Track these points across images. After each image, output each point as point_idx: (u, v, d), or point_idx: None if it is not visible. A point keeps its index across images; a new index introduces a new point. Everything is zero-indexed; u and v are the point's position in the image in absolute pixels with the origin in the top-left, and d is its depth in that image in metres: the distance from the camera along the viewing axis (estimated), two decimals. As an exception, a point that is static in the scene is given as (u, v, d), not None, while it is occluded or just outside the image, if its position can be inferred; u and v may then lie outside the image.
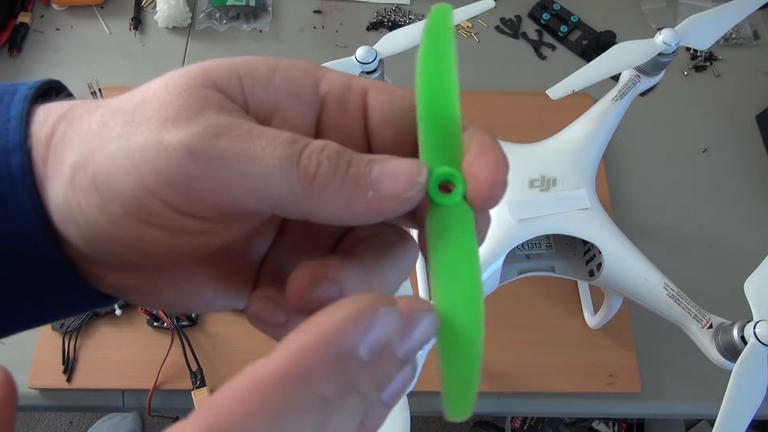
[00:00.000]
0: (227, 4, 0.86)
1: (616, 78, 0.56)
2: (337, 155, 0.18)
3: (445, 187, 0.19)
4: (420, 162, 0.18)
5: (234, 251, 0.22)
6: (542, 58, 0.86)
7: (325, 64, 0.49)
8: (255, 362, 0.15)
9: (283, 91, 0.20)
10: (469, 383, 0.17)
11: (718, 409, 0.39)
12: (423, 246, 0.20)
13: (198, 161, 0.17)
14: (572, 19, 0.87)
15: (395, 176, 0.18)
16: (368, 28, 0.87)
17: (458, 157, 0.19)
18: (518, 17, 0.89)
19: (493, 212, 0.49)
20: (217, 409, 0.14)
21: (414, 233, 0.22)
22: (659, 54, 0.51)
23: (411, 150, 0.20)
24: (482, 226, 0.20)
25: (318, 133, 0.21)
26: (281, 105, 0.20)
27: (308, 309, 0.18)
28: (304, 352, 0.15)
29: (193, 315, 0.64)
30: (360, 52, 0.50)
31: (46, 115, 0.19)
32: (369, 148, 0.21)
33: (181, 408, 0.63)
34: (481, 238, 0.20)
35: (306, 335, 0.15)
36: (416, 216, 0.20)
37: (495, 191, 0.18)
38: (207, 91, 0.18)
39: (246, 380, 0.14)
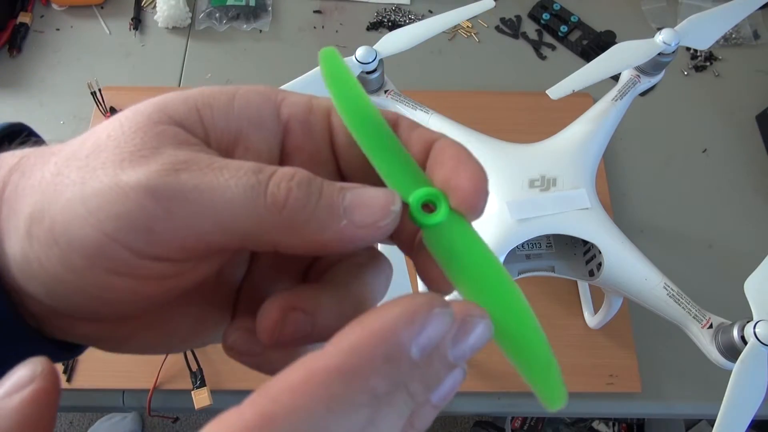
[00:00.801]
0: (227, 4, 0.86)
1: (616, 78, 0.56)
2: (307, 182, 0.17)
3: (426, 206, 0.19)
4: (393, 192, 0.18)
5: (207, 284, 0.21)
6: (542, 58, 0.86)
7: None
8: (308, 354, 0.15)
9: (244, 119, 0.19)
10: (550, 371, 0.17)
11: (718, 409, 0.39)
12: (423, 272, 0.20)
13: (158, 200, 0.16)
14: (572, 19, 0.87)
15: (369, 204, 0.17)
16: (368, 28, 0.87)
17: (420, 175, 0.19)
18: (518, 17, 0.89)
19: (493, 212, 0.49)
20: (273, 397, 0.14)
21: (390, 253, 0.22)
22: (659, 54, 0.51)
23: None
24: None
25: (284, 158, 0.20)
26: (243, 133, 0.19)
27: (282, 343, 0.18)
28: (357, 348, 0.15)
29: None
30: (360, 52, 0.50)
31: None
32: (338, 169, 0.21)
33: (181, 408, 0.63)
34: None
35: (360, 331, 0.15)
36: (397, 239, 0.20)
37: (480, 200, 0.18)
38: (163, 126, 0.18)
39: (300, 372, 0.14)
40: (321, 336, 0.18)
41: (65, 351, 0.20)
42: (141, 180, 0.16)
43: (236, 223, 0.17)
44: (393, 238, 0.20)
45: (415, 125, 0.20)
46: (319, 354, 0.15)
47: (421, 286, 0.65)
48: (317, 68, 0.50)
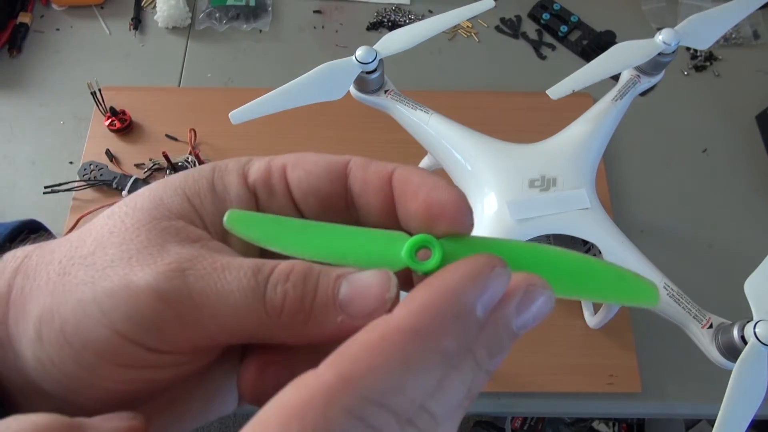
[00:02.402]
0: (227, 4, 0.86)
1: (616, 78, 0.56)
2: (303, 281, 0.17)
3: (419, 253, 0.19)
4: (387, 274, 0.18)
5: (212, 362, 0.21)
6: (542, 58, 0.86)
7: (325, 64, 0.49)
8: (379, 318, 0.15)
9: (227, 200, 0.20)
10: (626, 280, 0.18)
11: (718, 409, 0.39)
12: None
13: (168, 304, 0.17)
14: (572, 19, 0.87)
15: (364, 295, 0.17)
16: (368, 28, 0.87)
17: (388, 235, 0.19)
18: (518, 17, 0.89)
19: (493, 212, 0.49)
20: (350, 357, 0.14)
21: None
22: (659, 54, 0.51)
23: (340, 212, 0.20)
24: None
25: None
26: (226, 208, 0.20)
27: (267, 396, 0.18)
28: (428, 308, 0.15)
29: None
30: (360, 52, 0.50)
31: (1, 271, 0.19)
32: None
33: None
34: None
35: (428, 292, 0.16)
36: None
37: (467, 219, 0.19)
38: (166, 222, 0.18)
39: (375, 333, 0.15)
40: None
41: None
42: (151, 283, 0.17)
43: (240, 327, 0.17)
44: None
45: (368, 163, 0.20)
46: (391, 316, 0.15)
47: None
48: (317, 68, 0.50)
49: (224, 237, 0.20)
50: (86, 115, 0.76)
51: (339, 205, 0.20)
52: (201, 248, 0.18)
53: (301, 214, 0.21)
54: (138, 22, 0.85)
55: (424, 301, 0.16)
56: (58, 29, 0.85)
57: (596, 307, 0.66)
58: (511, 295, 0.17)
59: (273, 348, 0.19)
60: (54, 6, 0.86)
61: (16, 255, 0.19)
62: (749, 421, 0.39)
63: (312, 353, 0.19)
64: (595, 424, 1.20)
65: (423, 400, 0.15)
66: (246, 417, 0.15)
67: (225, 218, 0.19)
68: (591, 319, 0.66)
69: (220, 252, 0.18)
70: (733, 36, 0.88)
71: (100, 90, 0.73)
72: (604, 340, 0.66)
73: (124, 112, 0.75)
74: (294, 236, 0.19)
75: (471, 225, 0.19)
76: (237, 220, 0.19)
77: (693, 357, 0.50)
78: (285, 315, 0.17)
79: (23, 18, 0.84)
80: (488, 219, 0.49)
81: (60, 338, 0.17)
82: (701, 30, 0.53)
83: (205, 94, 0.79)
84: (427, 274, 0.18)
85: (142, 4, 0.88)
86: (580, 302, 0.68)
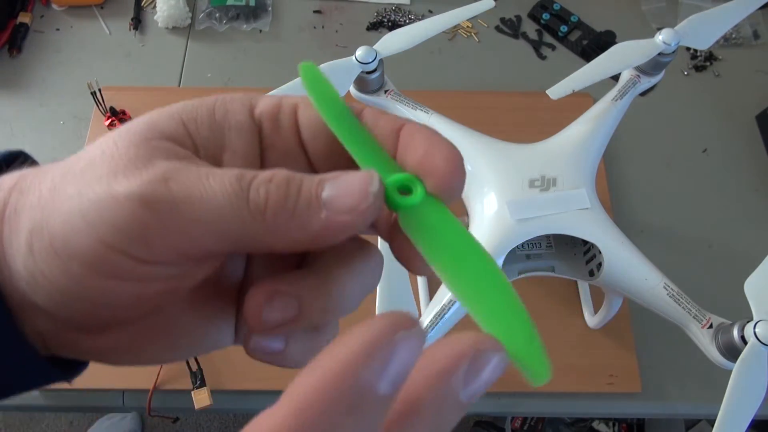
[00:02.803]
0: (227, 4, 0.86)
1: (616, 78, 0.56)
2: (286, 183, 0.18)
3: (401, 191, 0.19)
4: (370, 172, 0.18)
5: (208, 286, 0.21)
6: (542, 58, 0.86)
7: (324, 64, 0.49)
8: (262, 413, 0.13)
9: (225, 126, 0.20)
10: (533, 345, 0.17)
11: (718, 409, 0.39)
12: (399, 253, 0.20)
13: (151, 209, 0.17)
14: (572, 19, 0.87)
15: (347, 192, 0.17)
16: (368, 28, 0.87)
17: (393, 163, 0.19)
18: (518, 17, 0.89)
19: (493, 212, 0.49)
20: None
21: (379, 242, 0.22)
22: (659, 54, 0.51)
23: (346, 159, 0.20)
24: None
25: (261, 155, 0.21)
26: (227, 139, 0.20)
27: (271, 328, 0.18)
28: (311, 398, 0.13)
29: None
30: (360, 52, 0.50)
31: None
32: (308, 162, 0.21)
33: (181, 408, 0.63)
34: None
35: (312, 377, 0.13)
36: (376, 225, 0.20)
37: (457, 179, 0.18)
38: (156, 141, 0.18)
39: None
40: (310, 322, 0.19)
41: (62, 369, 0.21)
42: (134, 190, 0.17)
43: (225, 230, 0.17)
44: (372, 226, 0.20)
45: (381, 113, 0.20)
46: (271, 411, 0.13)
47: (422, 291, 0.64)
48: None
49: (215, 162, 0.20)
50: (86, 115, 0.76)
51: (342, 153, 0.20)
52: (188, 163, 0.18)
53: (305, 153, 0.21)
54: (138, 22, 0.85)
55: (306, 390, 0.13)
56: (58, 29, 0.85)
57: (596, 307, 0.66)
58: (458, 363, 0.15)
59: (281, 279, 0.19)
60: (54, 6, 0.86)
61: (12, 176, 0.19)
62: (749, 421, 0.39)
63: (320, 285, 0.19)
64: (595, 424, 1.20)
65: None
66: (244, 417, 0.14)
67: (301, 64, 0.20)
68: (591, 319, 0.66)
69: (206, 167, 0.19)
70: (733, 36, 0.88)
71: (100, 90, 0.73)
72: (604, 340, 0.66)
73: (124, 112, 0.75)
74: (334, 108, 0.20)
75: (459, 186, 0.18)
76: (312, 68, 0.20)
77: (693, 357, 0.50)
78: (269, 214, 0.17)
79: (23, 18, 0.84)
80: (488, 219, 0.49)
81: (49, 250, 0.17)
82: (701, 30, 0.53)
83: (205, 94, 0.77)
84: (398, 210, 0.18)
85: (142, 4, 0.88)
86: (579, 302, 0.68)
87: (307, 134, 0.20)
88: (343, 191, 0.17)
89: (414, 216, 0.19)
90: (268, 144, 0.21)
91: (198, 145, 0.20)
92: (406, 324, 0.14)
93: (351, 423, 0.13)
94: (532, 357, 0.17)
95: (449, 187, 0.18)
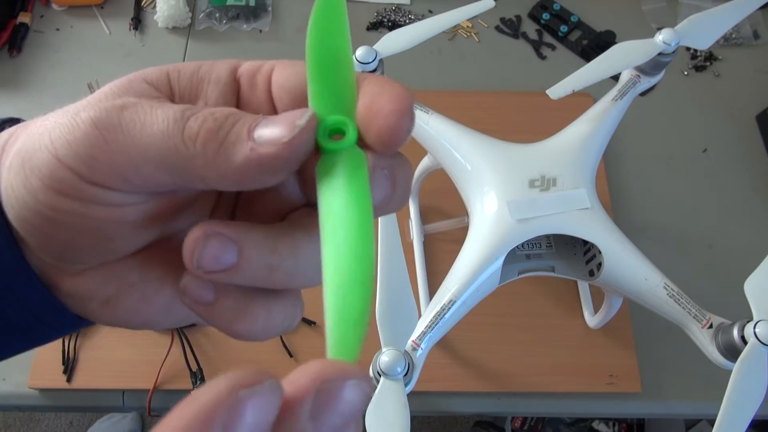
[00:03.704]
0: (227, 4, 0.86)
1: (616, 78, 0.56)
2: (224, 117, 0.18)
3: (338, 137, 0.18)
4: (305, 109, 0.18)
5: (177, 244, 0.21)
6: (542, 58, 0.86)
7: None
8: None
9: (205, 80, 0.21)
10: (359, 327, 0.16)
11: (718, 409, 0.39)
12: (310, 199, 0.20)
13: (100, 130, 0.18)
14: (572, 19, 0.87)
15: (275, 124, 0.18)
16: (368, 28, 0.87)
17: (351, 109, 0.19)
18: (518, 17, 0.89)
19: (493, 212, 0.49)
20: None
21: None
22: (659, 54, 0.51)
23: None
24: (400, 171, 0.19)
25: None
26: (203, 90, 0.21)
27: (205, 272, 0.18)
28: None
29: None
30: (360, 52, 0.50)
31: (9, 130, 0.21)
32: None
33: (181, 408, 0.63)
34: (403, 185, 0.19)
35: None
36: (303, 175, 0.20)
37: (402, 120, 0.17)
38: (136, 83, 0.20)
39: None
40: (249, 275, 0.18)
41: (68, 311, 0.22)
42: (91, 114, 0.19)
43: (159, 155, 0.18)
44: (299, 174, 0.20)
45: (385, 82, 0.20)
46: None
47: (422, 291, 0.64)
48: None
49: None
50: (86, 115, 0.76)
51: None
52: (151, 99, 0.19)
53: (274, 110, 0.21)
54: (138, 22, 0.85)
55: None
56: (58, 29, 0.85)
57: (596, 307, 0.66)
58: (298, 403, 0.14)
59: (227, 223, 0.19)
60: (54, 6, 0.86)
61: (25, 122, 0.21)
62: (749, 421, 0.39)
63: (268, 239, 0.19)
64: (595, 424, 1.20)
65: None
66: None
67: None
68: (591, 319, 0.66)
69: (164, 102, 0.19)
70: (733, 36, 0.88)
71: (100, 90, 0.73)
72: (604, 340, 0.66)
73: (124, 112, 0.75)
74: (329, 41, 0.19)
75: (405, 127, 0.18)
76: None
77: (693, 357, 0.50)
78: (198, 142, 0.18)
79: (23, 18, 0.84)
80: (488, 219, 0.49)
81: (18, 165, 0.19)
82: (701, 30, 0.53)
83: (205, 94, 0.79)
84: (321, 152, 0.18)
85: (142, 4, 0.88)
86: (580, 302, 0.68)
87: (276, 93, 0.21)
88: (272, 123, 0.18)
89: (329, 163, 0.18)
90: (244, 102, 0.21)
91: (175, 92, 0.21)
92: (248, 382, 0.13)
93: None
94: (349, 336, 0.16)
95: (394, 127, 0.18)
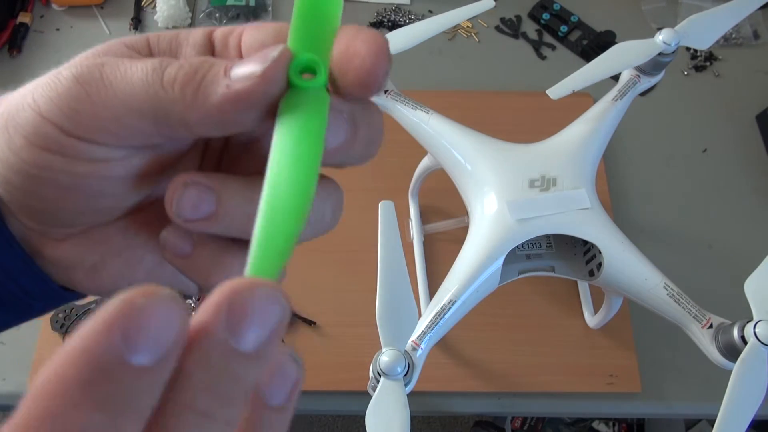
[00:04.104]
0: (227, 3, 0.86)
1: (616, 78, 0.56)
2: (201, 61, 0.19)
3: (309, 76, 0.19)
4: (279, 45, 0.18)
5: (162, 209, 0.22)
6: (542, 58, 0.86)
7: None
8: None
9: (183, 42, 0.21)
10: (281, 255, 0.16)
11: (718, 409, 0.39)
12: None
13: (81, 84, 0.19)
14: (572, 19, 0.87)
15: (250, 59, 0.18)
16: (368, 28, 0.87)
17: (327, 54, 0.19)
18: (518, 17, 0.89)
19: (493, 212, 0.49)
20: None
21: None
22: (659, 54, 0.51)
23: None
24: (365, 117, 0.19)
25: None
26: (181, 51, 0.21)
27: (185, 221, 0.19)
28: (49, 384, 0.12)
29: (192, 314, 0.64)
30: (360, 52, 0.50)
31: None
32: None
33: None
34: (366, 133, 0.19)
35: (51, 363, 0.12)
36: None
37: (378, 62, 0.18)
38: (116, 46, 0.21)
39: None
40: (227, 224, 0.19)
41: (51, 282, 0.22)
42: (73, 71, 0.19)
43: (140, 103, 0.18)
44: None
45: (362, 31, 0.20)
46: (16, 414, 0.12)
47: (422, 291, 0.64)
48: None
49: None
50: (86, 115, 0.76)
51: None
52: (130, 57, 0.20)
53: None
54: (138, 22, 0.85)
55: (44, 376, 0.12)
56: (58, 29, 0.85)
57: (596, 307, 0.66)
58: (211, 321, 0.13)
59: (206, 173, 0.19)
60: (54, 6, 0.86)
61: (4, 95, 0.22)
62: (749, 421, 0.39)
63: (246, 188, 0.19)
64: (595, 424, 1.20)
65: None
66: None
67: None
68: (591, 319, 0.66)
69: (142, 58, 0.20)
70: (733, 36, 0.88)
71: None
72: (604, 340, 0.66)
73: (124, 112, 0.75)
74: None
75: (380, 69, 0.18)
76: None
77: (693, 357, 0.50)
78: (177, 85, 0.18)
79: (23, 18, 0.84)
80: (488, 219, 0.49)
81: (2, 127, 0.19)
82: (701, 30, 0.53)
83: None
84: (289, 87, 0.18)
85: (142, 4, 0.88)
86: (580, 302, 0.68)
87: (245, 50, 0.21)
88: (246, 61, 0.18)
89: (294, 100, 0.18)
90: None
91: (153, 54, 0.21)
92: (148, 293, 0.13)
93: (95, 395, 0.12)
94: (271, 258, 0.16)
95: (370, 69, 0.18)
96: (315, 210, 0.20)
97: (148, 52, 0.21)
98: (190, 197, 0.18)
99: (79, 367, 0.12)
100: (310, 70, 0.18)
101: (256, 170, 0.21)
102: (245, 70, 0.18)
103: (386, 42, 0.18)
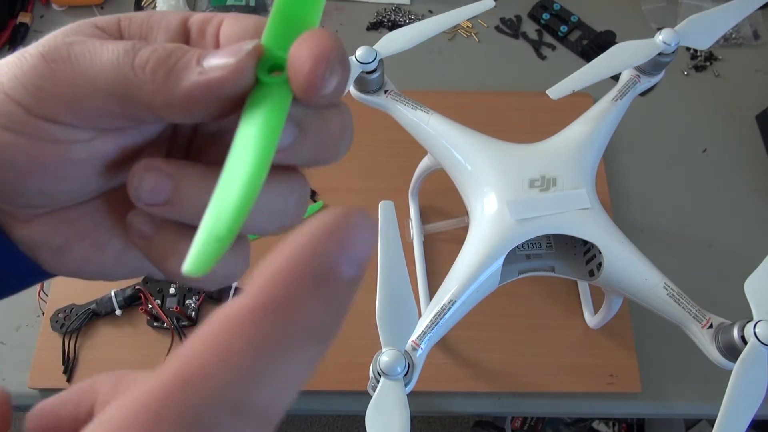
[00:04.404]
0: (227, 4, 0.86)
1: (616, 78, 0.56)
2: (174, 47, 0.19)
3: (277, 73, 0.19)
4: (253, 40, 0.19)
5: (125, 198, 0.22)
6: (542, 58, 0.86)
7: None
8: (227, 303, 0.13)
9: (155, 26, 0.21)
10: (220, 242, 0.16)
11: (718, 409, 0.39)
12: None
13: (47, 61, 0.19)
14: (572, 19, 0.87)
15: (224, 50, 0.18)
16: (368, 28, 0.87)
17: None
18: (518, 17, 0.89)
19: (493, 212, 0.49)
20: (187, 357, 0.12)
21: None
22: (659, 54, 0.51)
23: None
24: (323, 125, 0.19)
25: None
26: (152, 37, 0.21)
27: (145, 204, 0.19)
28: (278, 277, 0.13)
29: (192, 314, 0.64)
30: (360, 52, 0.50)
31: None
32: None
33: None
34: (334, 140, 0.19)
35: (279, 258, 0.13)
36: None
37: (316, 69, 0.17)
38: (85, 26, 0.20)
39: (217, 320, 0.13)
40: (183, 212, 0.19)
41: (21, 253, 0.22)
42: (39, 49, 0.19)
43: (108, 83, 0.18)
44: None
45: (327, 37, 0.20)
46: (238, 298, 0.13)
47: (422, 291, 0.64)
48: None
49: None
50: (86, 115, 0.76)
51: None
52: (99, 38, 0.20)
53: None
54: (138, 22, 0.85)
55: (272, 270, 0.13)
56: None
57: (596, 307, 0.66)
58: (337, 233, 0.14)
59: (167, 160, 0.19)
60: (54, 6, 0.86)
61: None
62: (749, 421, 0.39)
63: (205, 177, 0.19)
64: (595, 424, 1.20)
65: (280, 389, 0.13)
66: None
67: None
68: (591, 319, 0.66)
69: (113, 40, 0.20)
70: (733, 36, 0.88)
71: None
72: (604, 340, 0.66)
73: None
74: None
75: (319, 84, 0.17)
76: None
77: (693, 357, 0.50)
78: (148, 68, 0.18)
79: (23, 18, 0.84)
80: (488, 219, 0.49)
81: None
82: (701, 30, 0.53)
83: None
84: (257, 82, 0.18)
85: (142, 4, 0.88)
86: (580, 302, 0.68)
87: (222, 41, 0.21)
88: (219, 52, 0.18)
89: (259, 95, 0.18)
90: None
91: (124, 37, 0.21)
92: (356, 214, 0.14)
93: (317, 306, 0.13)
94: (209, 252, 0.16)
95: (307, 76, 0.17)
96: (278, 203, 0.20)
97: (119, 34, 0.21)
98: (149, 182, 0.19)
99: (305, 267, 0.13)
100: (279, 67, 0.19)
101: (222, 161, 0.21)
102: (218, 61, 0.18)
103: (333, 47, 0.18)
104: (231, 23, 0.21)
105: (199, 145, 0.23)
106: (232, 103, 0.18)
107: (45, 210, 0.21)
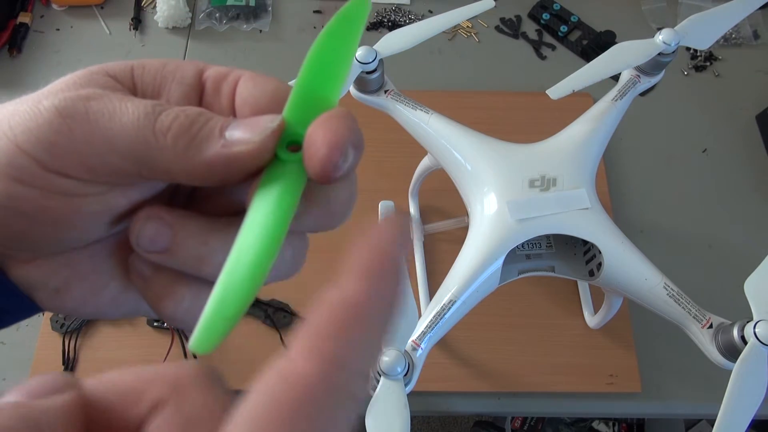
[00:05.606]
0: (227, 4, 0.86)
1: (616, 78, 0.56)
2: (197, 114, 0.19)
3: (295, 148, 0.19)
4: (278, 115, 0.19)
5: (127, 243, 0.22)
6: (542, 58, 0.86)
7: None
8: (330, 294, 0.15)
9: (170, 77, 0.21)
10: (228, 322, 0.17)
11: (718, 409, 0.39)
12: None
13: (63, 117, 0.18)
14: (572, 19, 0.87)
15: (247, 124, 0.19)
16: (368, 28, 0.87)
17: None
18: (518, 17, 0.89)
19: (493, 212, 0.49)
20: (325, 337, 0.14)
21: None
22: (659, 54, 0.51)
23: None
24: (339, 198, 0.20)
25: None
26: (166, 87, 0.21)
27: (144, 251, 0.19)
28: (373, 271, 0.15)
29: (193, 315, 0.64)
30: (360, 52, 0.50)
31: None
32: None
33: (181, 408, 0.63)
34: (339, 211, 0.20)
35: (367, 256, 0.15)
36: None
37: (330, 155, 0.18)
38: (98, 76, 0.20)
39: (336, 308, 0.14)
40: (180, 261, 0.19)
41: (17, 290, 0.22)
42: (55, 102, 0.19)
43: (127, 145, 0.18)
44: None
45: (341, 108, 0.20)
46: (342, 288, 0.15)
47: (422, 291, 0.64)
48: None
49: None
50: (86, 115, 0.76)
51: None
52: (116, 92, 0.20)
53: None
54: (138, 22, 0.85)
55: (367, 265, 0.15)
56: (58, 29, 0.85)
57: (596, 307, 0.66)
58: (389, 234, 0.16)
59: (168, 209, 0.20)
60: (54, 6, 0.86)
61: None
62: (749, 421, 0.39)
63: (203, 231, 0.20)
64: (595, 424, 1.20)
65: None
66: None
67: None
68: (591, 319, 0.66)
69: (131, 97, 0.20)
70: (733, 36, 0.88)
71: (100, 90, 0.73)
72: (604, 340, 0.66)
73: (124, 112, 0.75)
74: (338, 46, 0.20)
75: (331, 171, 0.18)
76: (363, 5, 0.20)
77: (693, 357, 0.50)
78: (170, 135, 0.18)
79: (23, 18, 0.84)
80: (488, 219, 0.49)
81: None
82: (701, 30, 0.53)
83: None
84: (276, 158, 0.19)
85: (142, 4, 0.88)
86: (580, 302, 0.68)
87: (239, 105, 0.21)
88: (243, 124, 0.19)
89: (276, 172, 0.19)
90: (206, 106, 0.21)
91: (137, 87, 0.21)
92: (398, 215, 0.16)
93: (393, 285, 0.15)
94: (216, 330, 0.17)
95: (319, 159, 0.18)
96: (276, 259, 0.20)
97: (132, 83, 0.21)
98: (149, 231, 0.19)
99: (388, 260, 0.15)
100: (297, 143, 0.19)
101: (224, 211, 0.21)
102: (241, 135, 0.18)
103: (348, 132, 0.18)
104: (249, 85, 0.21)
105: (202, 193, 0.23)
106: (248, 174, 0.19)
107: (46, 254, 0.21)
